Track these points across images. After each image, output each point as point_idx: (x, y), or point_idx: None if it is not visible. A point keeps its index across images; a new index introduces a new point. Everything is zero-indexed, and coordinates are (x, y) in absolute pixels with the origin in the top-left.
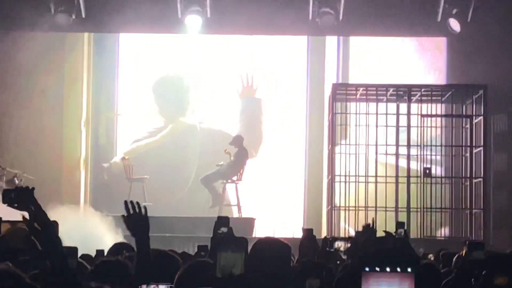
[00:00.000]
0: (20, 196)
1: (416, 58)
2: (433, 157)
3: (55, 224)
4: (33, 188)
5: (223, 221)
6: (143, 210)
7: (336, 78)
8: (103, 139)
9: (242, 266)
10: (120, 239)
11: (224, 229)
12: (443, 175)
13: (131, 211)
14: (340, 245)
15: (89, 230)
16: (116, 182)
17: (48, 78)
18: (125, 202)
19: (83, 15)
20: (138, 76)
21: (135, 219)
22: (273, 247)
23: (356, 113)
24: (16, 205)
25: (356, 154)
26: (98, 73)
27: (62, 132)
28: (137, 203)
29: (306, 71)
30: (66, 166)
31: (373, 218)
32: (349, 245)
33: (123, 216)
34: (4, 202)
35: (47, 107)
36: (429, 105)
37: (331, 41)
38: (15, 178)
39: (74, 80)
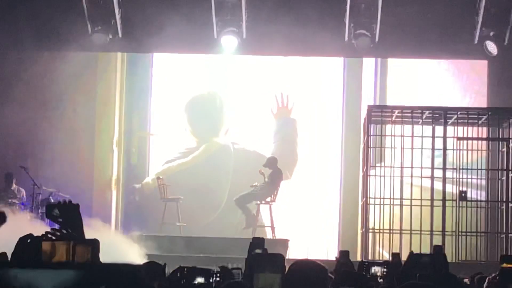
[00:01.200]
0: (65, 212)
1: (452, 81)
2: (469, 180)
3: (96, 242)
4: (78, 205)
5: (258, 242)
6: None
7: (374, 99)
8: (135, 159)
9: (279, 287)
10: (143, 255)
11: (259, 251)
12: (479, 198)
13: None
14: (377, 270)
15: (113, 249)
16: (147, 203)
17: (81, 97)
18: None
19: (120, 35)
20: (171, 96)
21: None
22: (310, 270)
23: (391, 135)
24: (60, 220)
25: (391, 176)
26: (131, 93)
27: (94, 152)
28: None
29: (342, 92)
30: (97, 186)
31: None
32: (385, 269)
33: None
34: (48, 217)
35: (79, 127)
36: (465, 128)
37: (368, 62)
38: (51, 197)
39: (107, 100)
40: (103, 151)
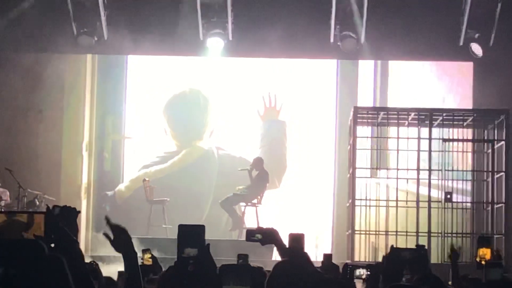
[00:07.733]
0: (64, 215)
1: (437, 83)
2: (455, 182)
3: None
4: (78, 212)
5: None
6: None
7: (373, 101)
8: (108, 165)
9: None
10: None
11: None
12: (464, 200)
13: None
14: (362, 272)
15: None
16: (121, 211)
17: (47, 98)
18: (106, 217)
19: (105, 37)
20: (148, 97)
21: (116, 234)
22: (293, 270)
23: (377, 137)
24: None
25: (377, 178)
26: (104, 94)
27: (61, 156)
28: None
29: (335, 93)
30: (64, 195)
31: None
32: (368, 272)
33: (104, 233)
34: (48, 215)
35: (45, 129)
36: (451, 129)
37: (366, 63)
38: (36, 199)
39: (76, 102)
40: (70, 156)
